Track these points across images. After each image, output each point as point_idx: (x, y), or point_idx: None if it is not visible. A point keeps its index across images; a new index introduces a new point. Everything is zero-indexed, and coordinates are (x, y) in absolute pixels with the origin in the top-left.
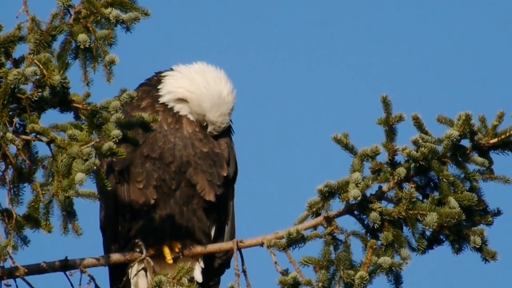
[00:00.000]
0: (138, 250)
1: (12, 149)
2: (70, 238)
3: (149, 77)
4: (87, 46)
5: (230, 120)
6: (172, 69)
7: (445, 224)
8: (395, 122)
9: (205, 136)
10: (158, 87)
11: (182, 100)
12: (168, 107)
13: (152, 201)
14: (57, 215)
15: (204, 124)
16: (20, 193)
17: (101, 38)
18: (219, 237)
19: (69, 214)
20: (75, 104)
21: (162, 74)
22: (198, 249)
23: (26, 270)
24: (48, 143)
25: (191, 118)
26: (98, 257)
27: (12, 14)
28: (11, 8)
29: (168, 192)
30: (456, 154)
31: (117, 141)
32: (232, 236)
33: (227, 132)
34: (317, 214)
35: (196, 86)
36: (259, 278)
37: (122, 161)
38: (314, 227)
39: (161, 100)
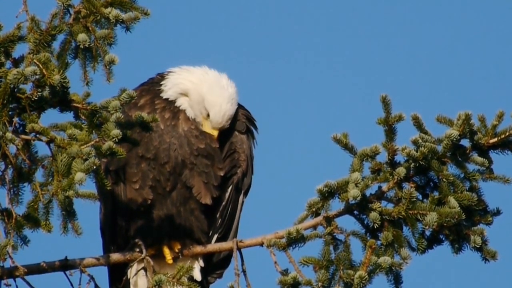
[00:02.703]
0: (138, 250)
1: (11, 148)
2: (70, 237)
3: (151, 77)
4: (87, 45)
5: (254, 128)
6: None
7: (445, 224)
8: (394, 122)
9: (201, 133)
10: (161, 82)
11: (183, 94)
12: (170, 100)
13: (149, 201)
14: (57, 214)
15: (206, 115)
16: (19, 193)
17: (100, 38)
18: None
19: (69, 213)
20: (74, 104)
21: (165, 73)
22: (198, 249)
23: (26, 270)
24: (48, 143)
25: (190, 114)
26: (98, 256)
27: (12, 14)
28: (11, 8)
29: (163, 193)
30: (456, 154)
31: (116, 140)
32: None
33: (249, 144)
34: (316, 214)
35: (195, 75)
36: (259, 278)
37: (117, 161)
38: (314, 227)
39: (165, 95)
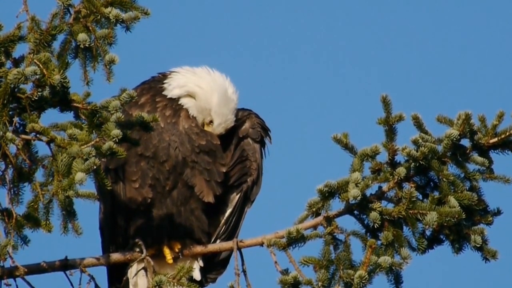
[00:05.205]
0: (138, 249)
1: (12, 148)
2: (70, 237)
3: (153, 75)
4: (87, 45)
5: (269, 137)
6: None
7: (445, 224)
8: (395, 122)
9: (202, 130)
10: (164, 81)
11: (188, 96)
12: (172, 98)
13: (149, 200)
14: (57, 214)
15: (208, 122)
16: (20, 193)
17: (101, 38)
18: None
19: (69, 213)
20: (75, 104)
21: (168, 72)
22: (198, 248)
23: (26, 270)
24: (48, 143)
25: (192, 112)
26: (98, 256)
27: (12, 14)
28: (11, 7)
29: (162, 192)
30: (456, 154)
31: (117, 140)
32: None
33: (261, 154)
34: (317, 214)
35: (205, 81)
36: (259, 278)
37: (116, 160)
38: (314, 227)
39: (169, 94)
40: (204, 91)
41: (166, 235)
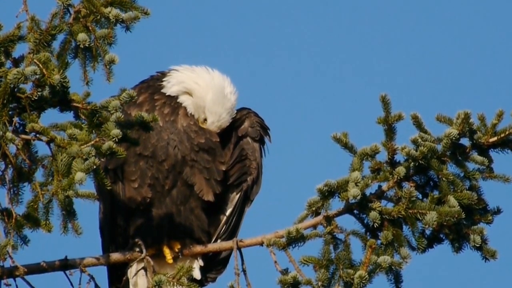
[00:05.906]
0: (137, 249)
1: (12, 148)
2: (70, 237)
3: (151, 74)
4: (87, 45)
5: (268, 136)
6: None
7: (444, 223)
8: (394, 121)
9: (201, 128)
10: (163, 79)
11: (186, 93)
12: (170, 95)
13: (148, 200)
14: (56, 214)
15: (203, 119)
16: (19, 193)
17: (100, 38)
18: None
19: (69, 213)
20: (74, 104)
21: (167, 70)
22: (198, 248)
23: (26, 270)
24: (48, 143)
25: (190, 110)
26: (98, 256)
27: (12, 14)
28: (11, 7)
29: (161, 191)
30: (456, 153)
31: (116, 140)
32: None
33: (260, 153)
34: (316, 213)
35: (202, 78)
36: (259, 277)
37: (115, 160)
38: (314, 226)
39: (167, 91)
40: (200, 87)
41: (166, 235)
